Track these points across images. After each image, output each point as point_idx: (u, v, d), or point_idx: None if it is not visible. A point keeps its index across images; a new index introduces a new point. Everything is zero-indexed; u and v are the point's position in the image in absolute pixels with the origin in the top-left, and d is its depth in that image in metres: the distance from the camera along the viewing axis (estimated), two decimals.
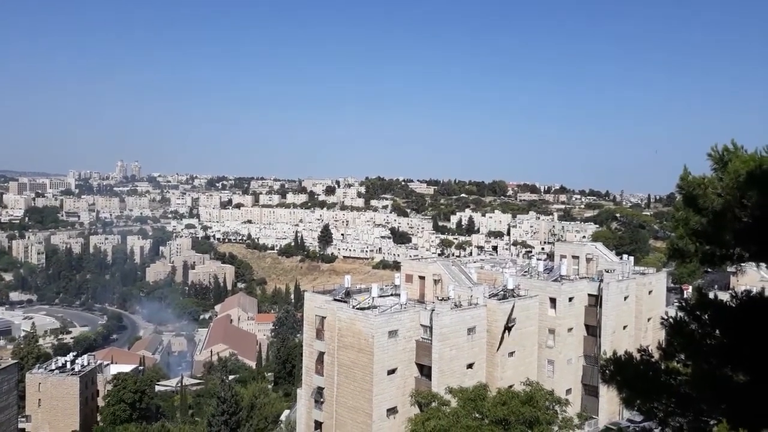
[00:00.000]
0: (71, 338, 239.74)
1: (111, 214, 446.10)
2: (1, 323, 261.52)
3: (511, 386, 44.90)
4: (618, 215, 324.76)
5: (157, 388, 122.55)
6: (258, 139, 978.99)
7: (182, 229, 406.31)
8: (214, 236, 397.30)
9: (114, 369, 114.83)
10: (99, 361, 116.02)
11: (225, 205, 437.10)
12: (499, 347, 53.09)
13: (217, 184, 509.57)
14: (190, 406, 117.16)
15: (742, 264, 13.71)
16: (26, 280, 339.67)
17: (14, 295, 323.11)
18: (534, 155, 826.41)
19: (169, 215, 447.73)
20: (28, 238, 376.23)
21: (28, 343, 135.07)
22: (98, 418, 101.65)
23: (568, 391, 58.86)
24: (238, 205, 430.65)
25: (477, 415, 36.23)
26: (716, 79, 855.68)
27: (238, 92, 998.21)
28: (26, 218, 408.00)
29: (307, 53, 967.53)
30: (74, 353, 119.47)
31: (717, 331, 14.23)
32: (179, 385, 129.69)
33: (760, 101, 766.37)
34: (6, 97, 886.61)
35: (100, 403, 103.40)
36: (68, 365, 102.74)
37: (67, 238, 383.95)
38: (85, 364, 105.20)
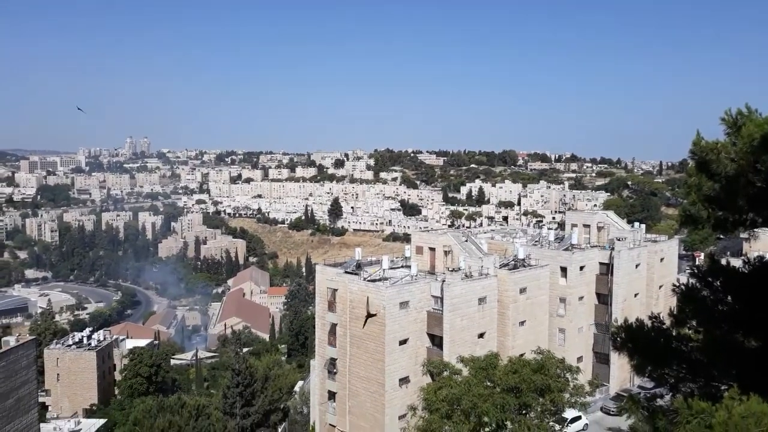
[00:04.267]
0: (87, 314, 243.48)
1: (122, 191, 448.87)
2: (18, 300, 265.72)
3: (522, 355, 45.17)
4: (629, 183, 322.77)
5: (172, 361, 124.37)
6: (266, 114, 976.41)
7: (193, 205, 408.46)
8: (224, 211, 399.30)
9: (129, 344, 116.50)
10: (115, 336, 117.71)
11: (234, 180, 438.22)
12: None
13: (226, 159, 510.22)
14: (206, 378, 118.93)
15: (755, 230, 13.56)
16: (41, 257, 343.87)
17: (29, 273, 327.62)
18: (544, 124, 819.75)
19: (180, 191, 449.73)
20: (41, 216, 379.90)
21: (44, 320, 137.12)
22: (116, 392, 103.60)
23: (579, 359, 59.14)
24: (248, 180, 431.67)
25: (488, 384, 36.50)
26: (729, 43, 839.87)
27: (245, 67, 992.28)
28: (38, 196, 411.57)
29: (313, 27, 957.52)
30: (90, 329, 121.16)
31: (729, 297, 14.15)
32: (194, 358, 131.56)
33: None
34: (14, 76, 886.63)
35: (117, 377, 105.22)
36: (85, 340, 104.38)
37: (80, 215, 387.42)
38: (101, 339, 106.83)
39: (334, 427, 53.05)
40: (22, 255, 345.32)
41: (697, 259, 78.26)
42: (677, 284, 14.89)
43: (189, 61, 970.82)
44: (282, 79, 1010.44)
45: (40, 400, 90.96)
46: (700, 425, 10.31)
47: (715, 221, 13.17)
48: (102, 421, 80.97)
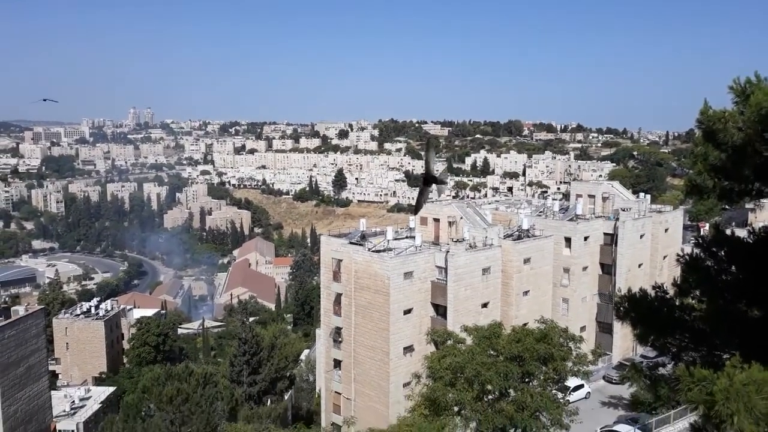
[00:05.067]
0: (94, 284, 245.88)
1: (126, 162, 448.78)
2: (26, 271, 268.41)
3: (525, 324, 45.50)
4: (635, 153, 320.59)
5: (179, 331, 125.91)
6: (269, 84, 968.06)
7: (197, 176, 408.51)
8: (229, 182, 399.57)
9: (137, 313, 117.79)
10: (122, 306, 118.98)
11: (239, 150, 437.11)
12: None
13: (230, 130, 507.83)
14: (213, 347, 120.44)
15: (761, 200, 13.52)
16: (47, 228, 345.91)
17: (36, 244, 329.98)
18: (550, 94, 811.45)
19: (184, 162, 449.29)
20: (47, 187, 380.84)
21: (52, 290, 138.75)
22: (124, 360, 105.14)
23: (583, 329, 59.53)
24: (252, 151, 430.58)
25: (492, 352, 36.87)
26: (736, 11, 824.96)
27: (247, 37, 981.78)
28: (43, 167, 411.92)
29: None
30: (98, 299, 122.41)
31: (733, 267, 14.17)
32: (201, 327, 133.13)
33: None
34: (18, 47, 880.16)
35: (125, 346, 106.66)
36: (93, 310, 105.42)
37: (85, 186, 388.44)
38: (109, 309, 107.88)
39: (340, 394, 53.89)
40: (29, 226, 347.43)
41: (701, 229, 78.09)
42: (681, 254, 14.91)
43: (192, 32, 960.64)
44: (285, 49, 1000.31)
45: (50, 368, 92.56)
46: (701, 392, 10.43)
47: (720, 191, 13.11)
48: (111, 388, 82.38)
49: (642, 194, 74.26)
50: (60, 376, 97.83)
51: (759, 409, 9.71)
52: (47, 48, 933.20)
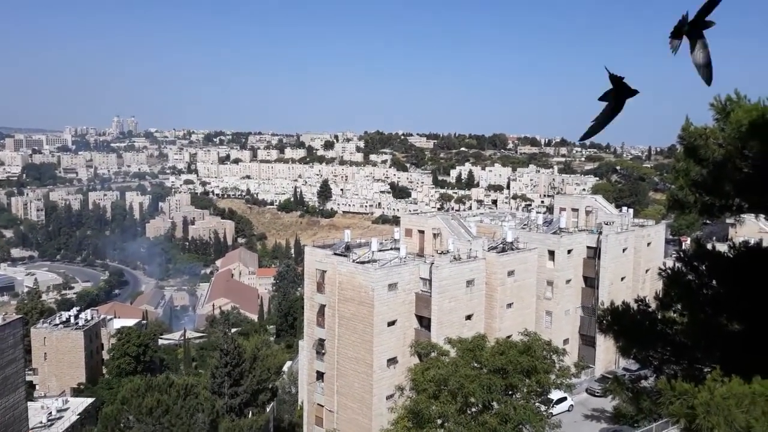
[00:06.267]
0: (74, 294, 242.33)
1: (109, 171, 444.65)
2: (4, 279, 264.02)
3: (509, 337, 45.59)
4: (618, 168, 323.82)
5: (160, 341, 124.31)
6: (254, 94, 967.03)
7: (181, 185, 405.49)
8: (212, 192, 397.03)
9: (117, 323, 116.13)
10: (102, 316, 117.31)
11: (223, 160, 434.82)
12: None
13: (215, 140, 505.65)
14: (194, 358, 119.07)
15: (741, 215, 13.69)
16: (27, 236, 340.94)
17: (15, 252, 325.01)
18: (535, 108, 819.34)
19: (168, 171, 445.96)
20: (27, 194, 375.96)
21: (31, 299, 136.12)
22: (104, 371, 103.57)
23: (566, 341, 59.84)
24: (236, 161, 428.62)
25: (475, 365, 36.87)
26: (718, 27, 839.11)
27: (233, 47, 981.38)
28: (24, 175, 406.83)
29: (303, 8, 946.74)
30: (77, 308, 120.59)
31: (714, 282, 14.32)
32: (182, 338, 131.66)
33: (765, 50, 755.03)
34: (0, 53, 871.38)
35: (105, 356, 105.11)
36: (72, 320, 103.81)
37: (66, 194, 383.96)
38: (89, 318, 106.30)
39: (322, 406, 53.52)
40: (8, 234, 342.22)
41: (683, 243, 79.06)
42: (663, 268, 15.03)
43: (177, 41, 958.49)
44: (271, 59, 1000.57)
45: (28, 378, 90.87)
46: (682, 406, 10.50)
47: (701, 206, 13.27)
48: (90, 399, 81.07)
49: (625, 208, 75.02)
50: (37, 387, 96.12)
51: (739, 423, 9.78)
52: (30, 55, 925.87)
